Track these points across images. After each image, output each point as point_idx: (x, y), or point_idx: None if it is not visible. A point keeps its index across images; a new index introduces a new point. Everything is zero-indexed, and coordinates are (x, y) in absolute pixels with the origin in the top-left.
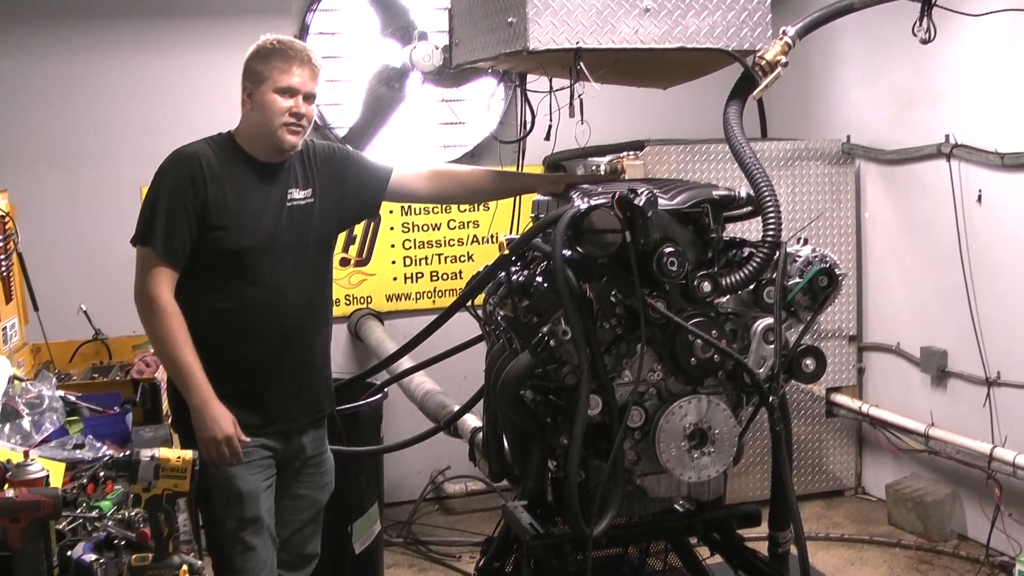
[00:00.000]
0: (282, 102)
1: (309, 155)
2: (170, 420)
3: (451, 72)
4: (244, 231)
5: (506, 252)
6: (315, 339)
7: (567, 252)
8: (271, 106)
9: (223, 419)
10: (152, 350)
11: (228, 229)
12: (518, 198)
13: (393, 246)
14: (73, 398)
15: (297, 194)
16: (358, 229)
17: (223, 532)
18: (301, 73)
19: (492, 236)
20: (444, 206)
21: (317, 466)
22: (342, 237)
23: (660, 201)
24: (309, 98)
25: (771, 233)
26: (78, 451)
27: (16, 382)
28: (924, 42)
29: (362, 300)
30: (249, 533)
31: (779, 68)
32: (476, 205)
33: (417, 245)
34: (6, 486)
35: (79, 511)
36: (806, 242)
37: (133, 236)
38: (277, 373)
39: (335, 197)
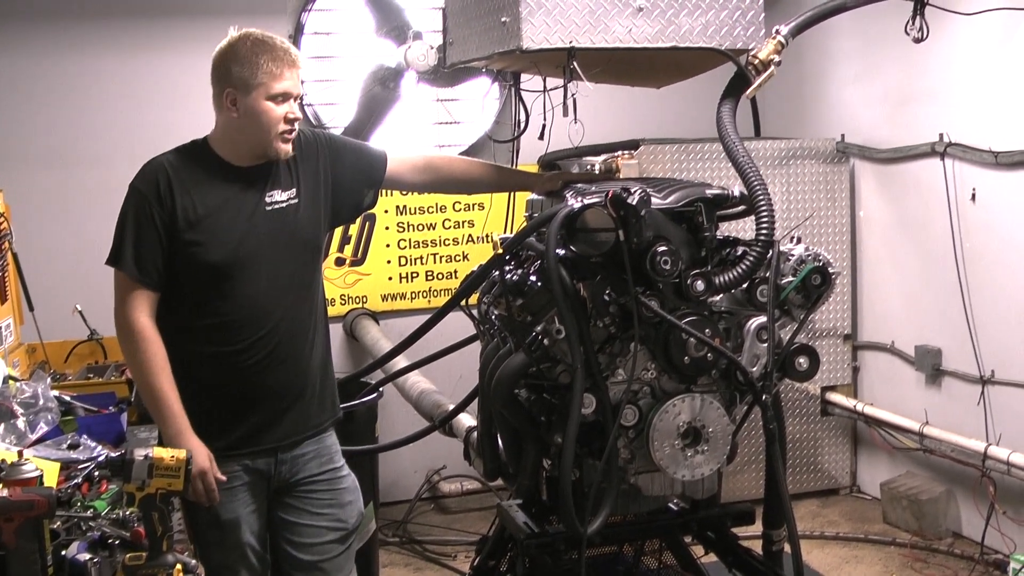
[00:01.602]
0: (277, 110)
1: (293, 149)
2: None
3: (446, 72)
4: (216, 243)
5: (500, 251)
6: (302, 350)
7: (561, 251)
8: (267, 115)
9: (198, 454)
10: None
11: (201, 243)
12: (512, 197)
13: (388, 246)
14: (68, 398)
15: (279, 196)
16: (353, 229)
17: (208, 556)
18: (291, 75)
19: (487, 235)
20: (439, 205)
21: (331, 483)
22: (337, 237)
23: (653, 200)
24: (298, 99)
25: (764, 232)
26: (72, 451)
27: (11, 382)
28: (917, 41)
29: (357, 300)
30: (233, 559)
31: (772, 67)
32: (471, 204)
33: (412, 245)
34: (0, 485)
35: (73, 510)
36: (799, 241)
37: (107, 257)
38: (261, 390)
39: (325, 191)
